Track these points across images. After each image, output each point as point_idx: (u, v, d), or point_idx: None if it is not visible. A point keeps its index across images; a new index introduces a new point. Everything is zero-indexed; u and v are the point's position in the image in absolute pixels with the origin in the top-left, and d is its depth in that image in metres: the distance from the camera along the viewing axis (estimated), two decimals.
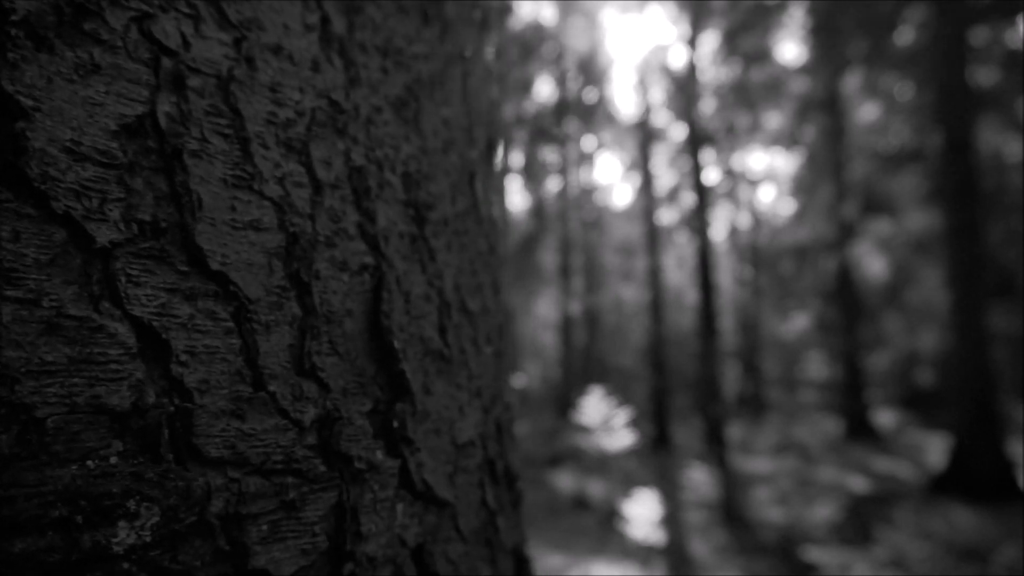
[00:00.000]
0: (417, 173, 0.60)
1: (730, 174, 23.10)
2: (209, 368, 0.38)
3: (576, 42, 20.90)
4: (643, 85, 15.72)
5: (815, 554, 7.42)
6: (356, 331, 0.48)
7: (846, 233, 15.66)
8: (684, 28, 14.09)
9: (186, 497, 0.35)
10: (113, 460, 0.33)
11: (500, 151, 0.88)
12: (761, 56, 14.92)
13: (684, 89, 13.10)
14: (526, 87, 22.14)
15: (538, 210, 24.63)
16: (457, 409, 0.60)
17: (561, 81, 21.17)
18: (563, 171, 22.12)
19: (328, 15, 0.49)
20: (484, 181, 0.81)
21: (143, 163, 0.37)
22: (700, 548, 8.08)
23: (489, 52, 0.85)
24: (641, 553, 7.34)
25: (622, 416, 9.12)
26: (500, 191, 0.87)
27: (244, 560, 0.37)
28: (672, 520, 9.15)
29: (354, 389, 0.47)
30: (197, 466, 0.36)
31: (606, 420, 9.08)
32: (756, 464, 12.85)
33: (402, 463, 0.49)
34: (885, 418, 17.45)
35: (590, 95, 21.58)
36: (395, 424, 0.49)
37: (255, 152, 0.43)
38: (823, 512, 8.85)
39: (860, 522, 8.44)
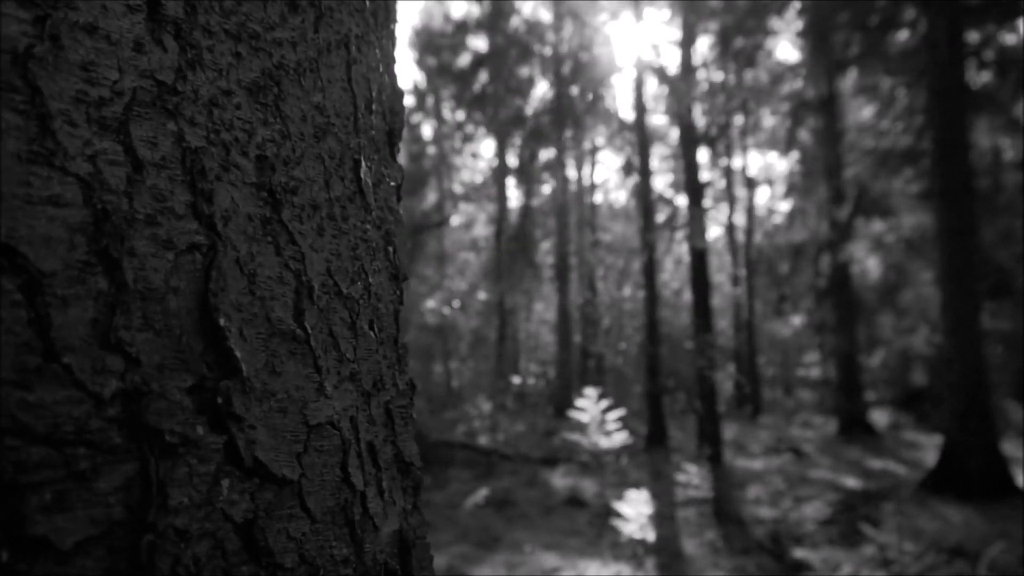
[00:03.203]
0: (275, 157, 0.61)
1: (726, 174, 23.11)
2: None
3: (573, 42, 20.92)
4: (639, 85, 15.72)
5: (804, 552, 7.43)
6: (183, 309, 0.49)
7: (842, 233, 15.67)
8: (678, 29, 14.10)
9: None
10: None
11: (401, 140, 0.89)
12: (756, 57, 14.93)
13: (679, 90, 13.11)
14: (523, 87, 22.16)
15: (535, 209, 24.63)
16: (313, 390, 0.60)
17: (558, 81, 21.18)
18: (560, 171, 22.13)
19: None
20: (377, 169, 0.82)
21: None
22: (692, 546, 8.10)
23: (385, 40, 0.86)
24: (633, 551, 7.35)
25: (617, 415, 9.15)
26: (399, 181, 0.88)
27: (20, 528, 0.38)
28: (665, 518, 9.17)
29: (173, 365, 0.47)
30: None
31: (601, 419, 9.12)
32: (750, 463, 12.86)
33: (228, 439, 0.50)
34: (881, 417, 17.47)
35: (587, 95, 21.60)
36: (219, 401, 0.49)
37: (58, 129, 0.44)
38: (814, 510, 8.86)
39: (851, 520, 8.45)
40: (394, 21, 0.91)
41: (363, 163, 0.76)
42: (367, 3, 0.80)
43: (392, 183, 0.86)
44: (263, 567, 0.52)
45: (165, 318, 0.48)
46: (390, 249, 0.84)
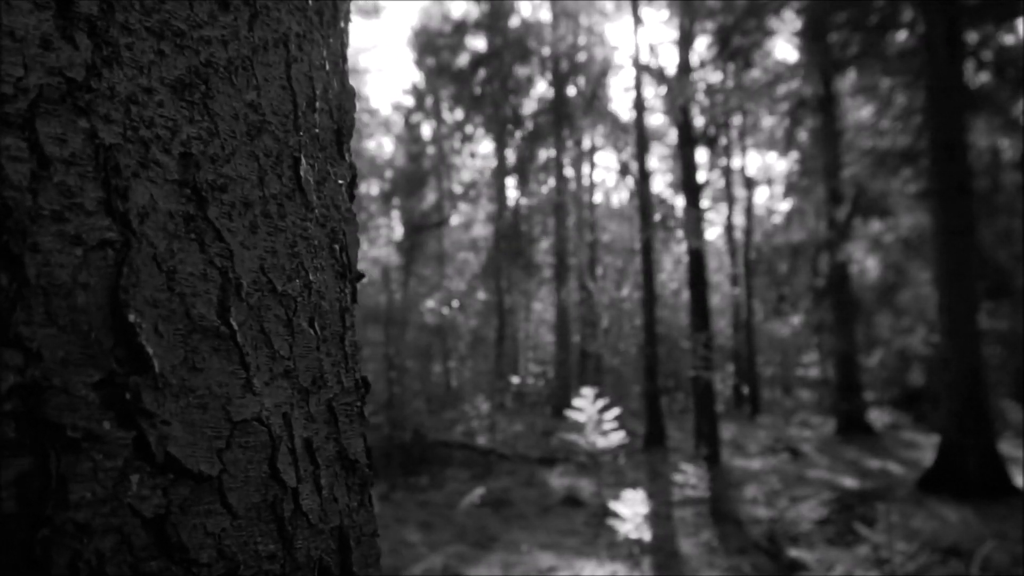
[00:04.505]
0: (202, 154, 0.61)
1: (726, 174, 23.11)
2: None
3: (571, 42, 20.92)
4: (638, 85, 15.73)
5: (800, 552, 7.43)
6: (93, 304, 0.49)
7: (840, 233, 15.66)
8: (677, 29, 14.09)
9: None
10: None
11: (351, 140, 0.89)
12: (752, 57, 14.94)
13: (677, 89, 13.11)
14: (522, 87, 22.17)
15: (534, 209, 24.64)
16: (239, 386, 0.61)
17: (556, 81, 21.18)
18: (558, 170, 22.13)
19: None
20: (322, 167, 0.82)
21: None
22: (688, 545, 8.10)
23: (333, 39, 0.86)
24: (629, 551, 7.35)
25: (613, 415, 9.16)
26: (349, 179, 0.88)
27: None
28: (661, 517, 9.18)
29: (78, 360, 0.48)
30: None
31: (598, 419, 9.13)
32: (748, 462, 12.86)
33: (138, 434, 0.50)
34: (879, 417, 17.45)
35: (585, 95, 21.61)
36: (128, 396, 0.50)
37: None
38: (811, 510, 8.86)
39: (847, 520, 8.45)
40: (344, 20, 0.91)
41: (303, 161, 0.76)
42: (309, 2, 0.80)
43: (340, 181, 0.86)
44: (176, 562, 0.52)
45: (71, 313, 0.48)
46: (336, 247, 0.84)
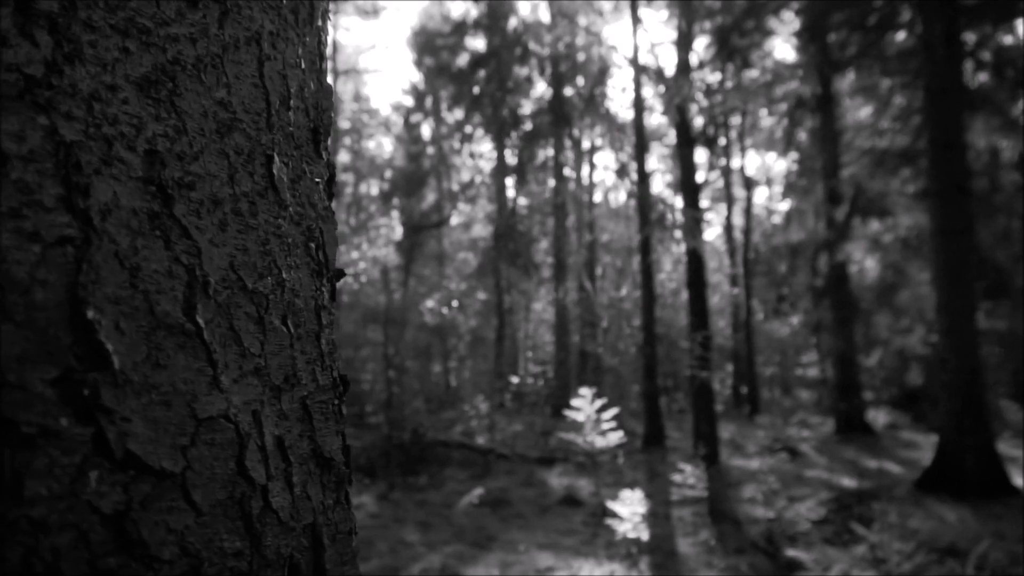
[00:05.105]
0: (168, 152, 0.61)
1: (725, 174, 23.11)
2: None
3: (570, 42, 20.92)
4: (637, 85, 15.72)
5: (798, 552, 7.43)
6: (51, 301, 0.50)
7: (839, 233, 15.66)
8: (675, 29, 14.09)
9: None
10: None
11: (329, 139, 0.90)
12: (752, 57, 14.94)
13: (675, 90, 13.11)
14: (521, 87, 22.17)
15: (534, 208, 24.64)
16: (205, 383, 0.61)
17: (555, 81, 21.19)
18: (557, 170, 22.14)
19: None
20: (297, 165, 0.82)
21: None
22: (686, 545, 8.09)
23: (309, 38, 0.86)
24: (627, 550, 7.35)
25: (612, 415, 9.17)
26: (326, 177, 0.88)
27: None
28: (660, 517, 9.18)
29: (35, 357, 0.48)
30: None
31: (596, 419, 9.14)
32: (747, 462, 12.86)
33: (97, 431, 0.50)
34: (878, 417, 17.45)
35: (584, 95, 21.61)
36: (86, 392, 0.50)
37: None
38: (809, 510, 8.86)
39: (845, 520, 8.45)
40: (322, 18, 0.91)
41: (276, 159, 0.76)
42: (283, 0, 0.80)
43: (317, 179, 0.86)
44: (136, 559, 0.52)
45: (29, 310, 0.48)
46: (312, 245, 0.84)
